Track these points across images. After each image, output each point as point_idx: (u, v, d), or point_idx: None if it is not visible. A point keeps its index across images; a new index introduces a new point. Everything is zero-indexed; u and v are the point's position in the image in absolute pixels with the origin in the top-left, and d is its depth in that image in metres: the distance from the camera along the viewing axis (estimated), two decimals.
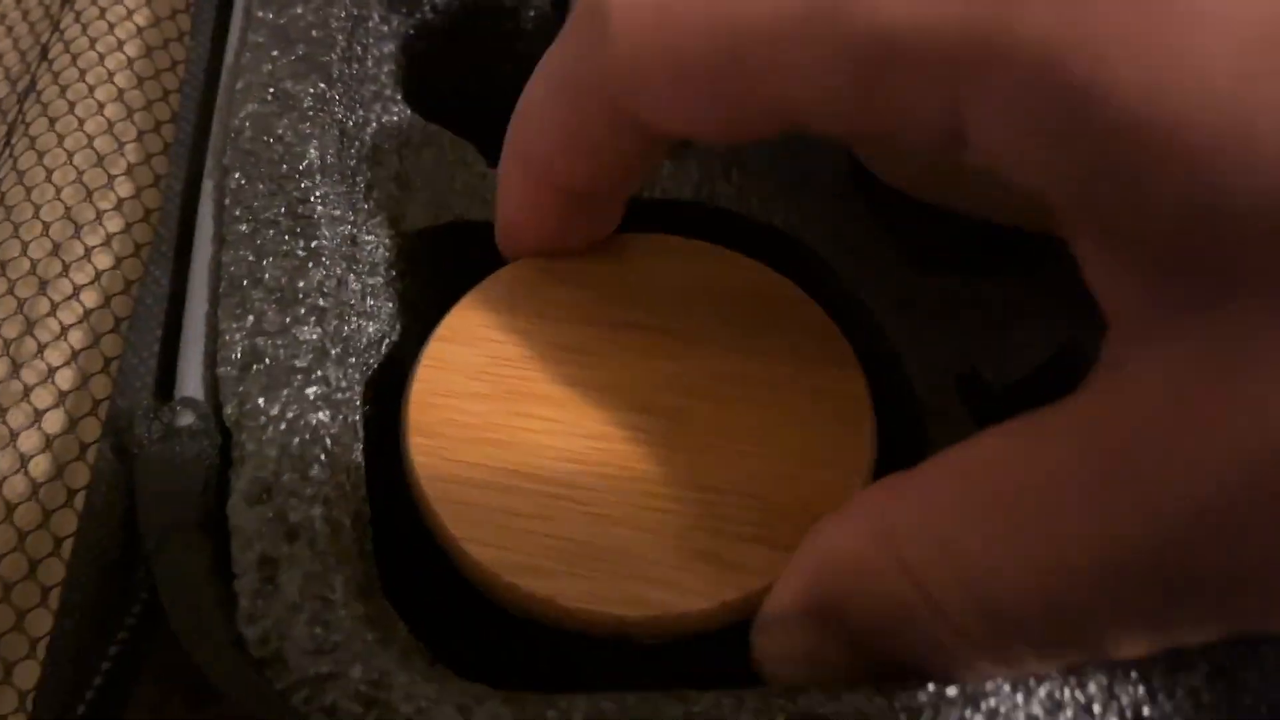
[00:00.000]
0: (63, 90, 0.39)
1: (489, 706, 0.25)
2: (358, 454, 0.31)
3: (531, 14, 0.46)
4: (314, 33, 0.35)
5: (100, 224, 0.36)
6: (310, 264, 0.31)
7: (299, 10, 0.36)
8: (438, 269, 0.41)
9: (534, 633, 0.33)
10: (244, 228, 0.32)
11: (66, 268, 0.35)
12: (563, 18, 0.48)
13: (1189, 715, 0.26)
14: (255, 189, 0.32)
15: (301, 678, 0.26)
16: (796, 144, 0.40)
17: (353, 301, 0.34)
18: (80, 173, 0.37)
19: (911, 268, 0.38)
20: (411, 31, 0.45)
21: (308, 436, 0.29)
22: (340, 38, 0.36)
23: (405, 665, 0.26)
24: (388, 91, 0.41)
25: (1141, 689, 0.25)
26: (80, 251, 0.35)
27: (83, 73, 0.39)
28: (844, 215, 0.39)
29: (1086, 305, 0.39)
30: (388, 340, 0.38)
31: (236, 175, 0.32)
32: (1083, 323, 0.38)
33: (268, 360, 0.30)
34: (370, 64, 0.40)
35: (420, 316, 0.41)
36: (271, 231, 0.32)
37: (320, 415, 0.29)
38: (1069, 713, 0.25)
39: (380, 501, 0.33)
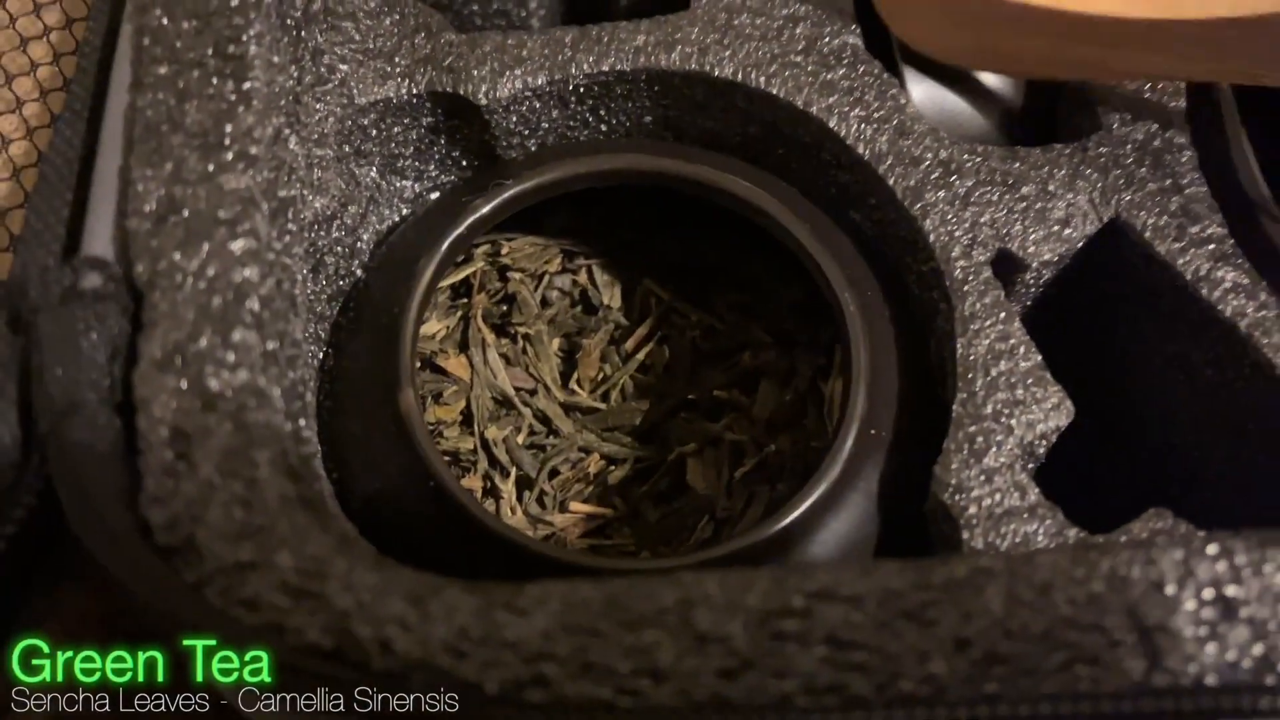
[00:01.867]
0: None
1: (447, 596, 0.21)
2: (294, 326, 0.26)
3: None
4: None
5: (9, 87, 0.31)
6: (241, 107, 0.27)
7: None
8: (398, 150, 0.36)
9: (519, 555, 0.29)
10: (164, 70, 0.27)
11: None
12: None
13: None
14: (179, 27, 0.28)
15: (217, 567, 0.21)
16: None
17: (293, 164, 0.29)
18: None
19: (945, 140, 0.34)
20: None
21: (231, 296, 0.24)
22: None
23: (343, 552, 0.22)
24: None
25: (1223, 565, 0.21)
26: None
27: None
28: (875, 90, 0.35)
29: (1133, 180, 0.35)
30: (339, 222, 0.34)
31: (157, 13, 0.28)
32: (1129, 199, 0.33)
33: (186, 211, 0.25)
34: None
35: (376, 201, 0.37)
36: (196, 73, 0.27)
37: (246, 272, 0.25)
38: (1137, 590, 0.21)
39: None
